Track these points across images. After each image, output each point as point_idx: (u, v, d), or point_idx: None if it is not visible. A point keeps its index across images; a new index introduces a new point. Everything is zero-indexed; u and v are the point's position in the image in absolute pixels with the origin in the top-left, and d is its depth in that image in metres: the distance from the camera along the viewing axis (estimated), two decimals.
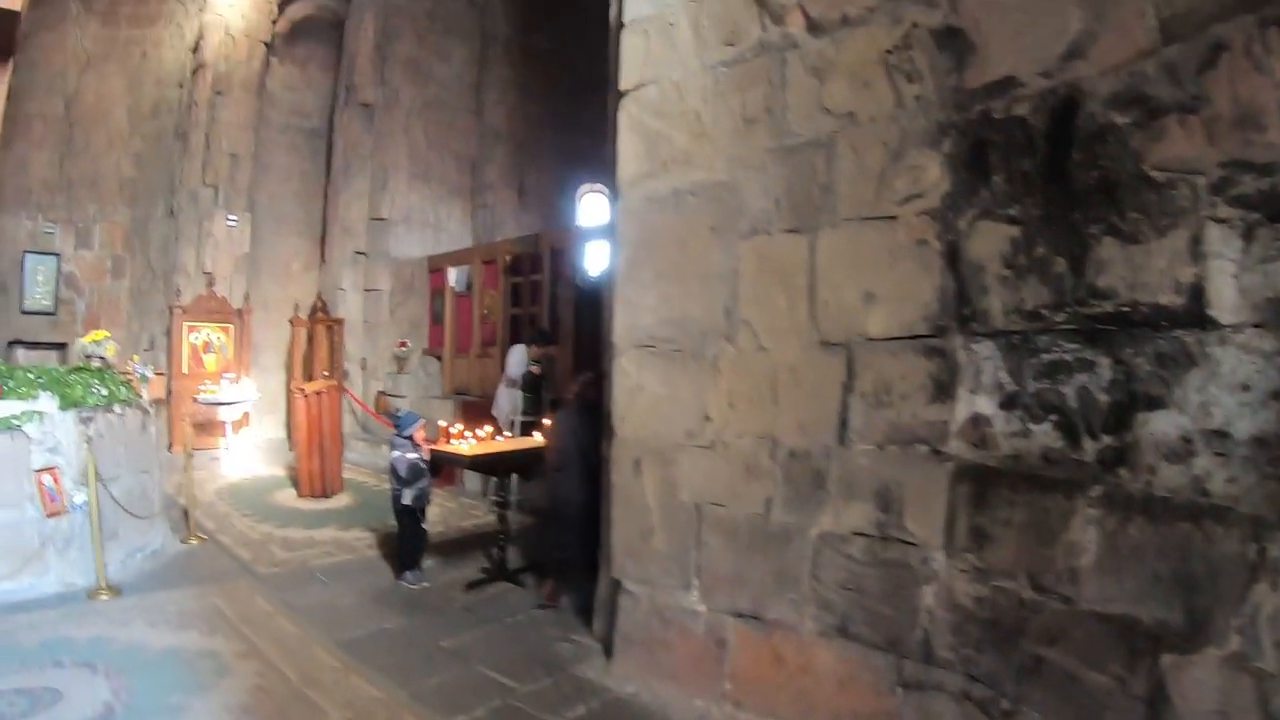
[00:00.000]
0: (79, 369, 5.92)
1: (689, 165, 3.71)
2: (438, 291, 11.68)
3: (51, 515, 5.12)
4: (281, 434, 12.26)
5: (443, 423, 6.23)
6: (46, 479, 5.12)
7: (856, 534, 3.11)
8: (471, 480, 8.55)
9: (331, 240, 12.11)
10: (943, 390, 2.90)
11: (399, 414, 6.51)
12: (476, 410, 9.80)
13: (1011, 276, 2.70)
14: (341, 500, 8.20)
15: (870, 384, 3.10)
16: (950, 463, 2.86)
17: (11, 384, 5.16)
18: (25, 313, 12.02)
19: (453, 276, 11.33)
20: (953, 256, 2.88)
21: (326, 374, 10.74)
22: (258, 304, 12.08)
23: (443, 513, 7.55)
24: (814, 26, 3.30)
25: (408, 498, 5.43)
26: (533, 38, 13.46)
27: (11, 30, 6.53)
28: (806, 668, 3.25)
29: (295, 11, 12.61)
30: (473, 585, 5.41)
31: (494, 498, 5.80)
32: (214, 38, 11.73)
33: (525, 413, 7.90)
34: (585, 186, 14.32)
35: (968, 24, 2.83)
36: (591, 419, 4.76)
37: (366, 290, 11.92)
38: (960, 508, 2.84)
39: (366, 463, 10.03)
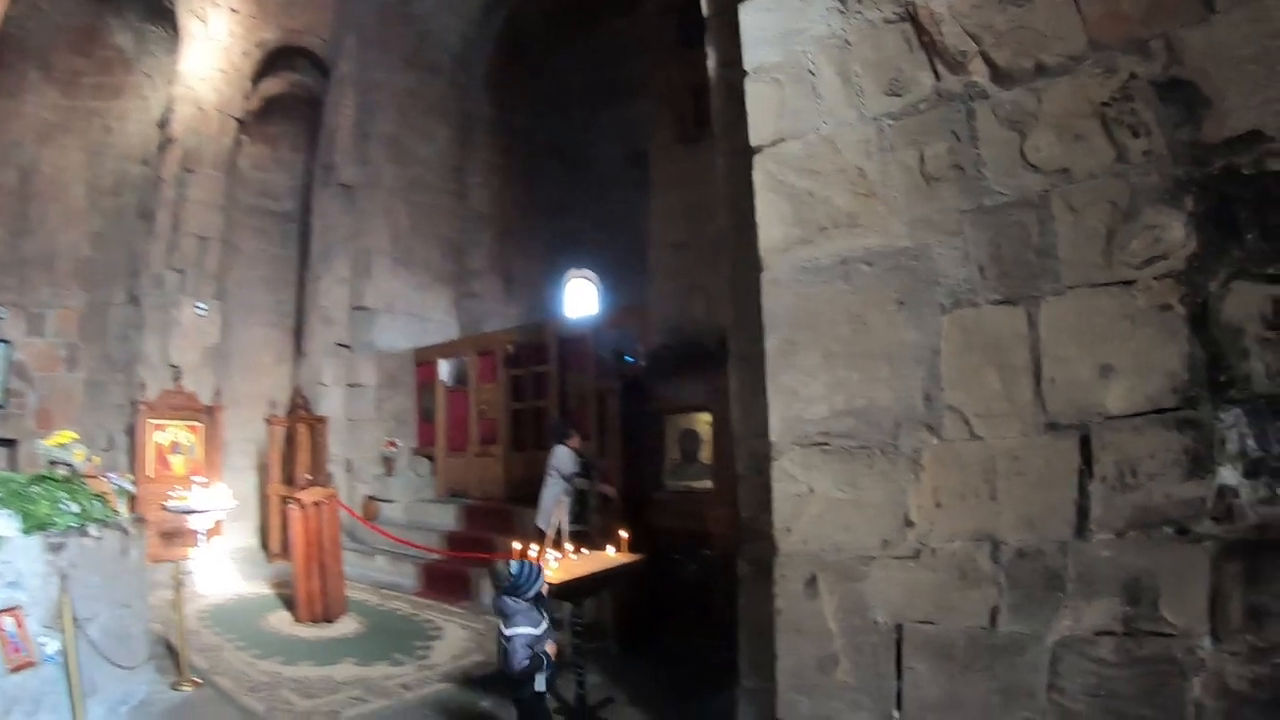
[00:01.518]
0: (43, 478, 5.44)
1: (855, 229, 3.46)
2: (426, 386, 11.80)
3: (16, 669, 4.31)
4: (254, 541, 12.02)
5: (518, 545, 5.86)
6: (8, 623, 4.32)
7: (1101, 633, 2.94)
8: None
9: (310, 331, 12.09)
10: (1198, 465, 2.83)
11: (508, 569, 4.35)
12: (484, 515, 9.98)
13: (1275, 338, 2.73)
14: (348, 625, 7.74)
15: (1112, 466, 2.93)
16: (1209, 541, 2.82)
17: None
18: None
19: (443, 370, 11.46)
20: (1200, 321, 2.86)
21: (310, 477, 10.59)
22: (227, 399, 11.87)
23: (472, 637, 7.38)
24: (1002, 76, 3.20)
25: (541, 683, 4.28)
26: (514, 116, 13.88)
27: None
28: None
29: (270, 87, 12.73)
30: None
31: (573, 623, 5.38)
32: (184, 111, 11.69)
33: (573, 521, 7.69)
34: (572, 272, 14.65)
35: (1195, 76, 2.81)
36: None
37: (350, 385, 11.92)
38: (1230, 587, 2.79)
39: (358, 576, 9.94)
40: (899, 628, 3.32)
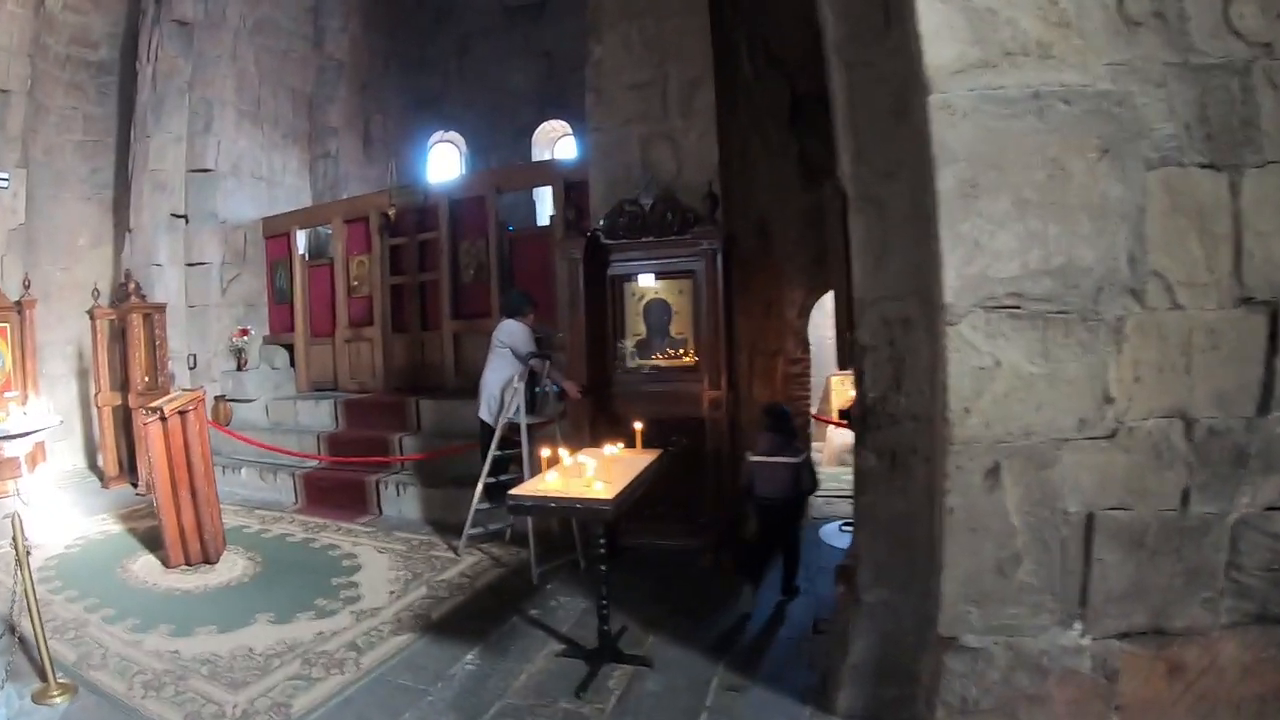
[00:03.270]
0: None
1: (1049, 61, 3.18)
2: (280, 261, 10.80)
3: None
4: (82, 462, 10.95)
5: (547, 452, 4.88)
6: None
7: (1271, 509, 3.14)
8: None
9: (139, 201, 10.69)
10: None
11: (782, 406, 5.88)
12: (367, 411, 9.26)
13: None
14: (236, 565, 6.49)
15: None
16: None
17: None
18: None
19: (301, 241, 10.48)
20: None
21: (148, 378, 9.30)
22: (38, 292, 10.33)
23: (398, 563, 6.54)
24: None
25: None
26: None
27: None
28: (1210, 667, 3.21)
29: None
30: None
31: (601, 544, 4.61)
32: None
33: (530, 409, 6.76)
34: (438, 135, 13.88)
35: None
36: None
37: (189, 265, 10.65)
38: None
39: (222, 494, 8.74)
40: (1090, 517, 3.29)
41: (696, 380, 6.24)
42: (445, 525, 7.19)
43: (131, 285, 9.71)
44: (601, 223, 6.53)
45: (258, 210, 10.90)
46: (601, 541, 4.51)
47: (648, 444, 5.33)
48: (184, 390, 7.41)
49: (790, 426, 5.60)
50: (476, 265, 9.04)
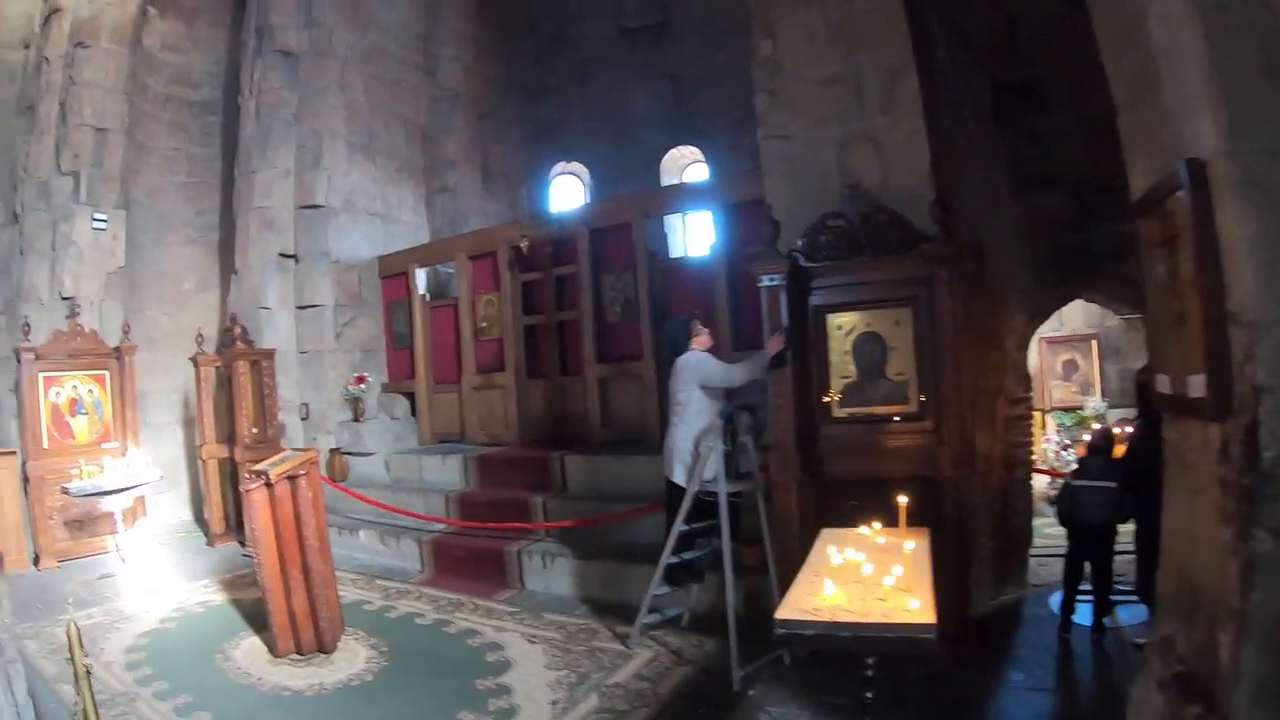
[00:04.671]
0: None
1: None
2: (398, 303, 10.14)
3: None
4: (188, 514, 10.53)
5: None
6: None
7: None
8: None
9: (246, 240, 10.14)
10: None
11: (1106, 433, 5.97)
12: (503, 468, 8.33)
13: None
14: (356, 655, 5.50)
15: None
16: None
17: None
18: None
19: (421, 280, 9.78)
20: None
21: (256, 430, 8.90)
22: (140, 339, 10.05)
23: (554, 656, 5.43)
24: None
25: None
26: None
27: None
28: None
29: None
30: None
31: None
32: None
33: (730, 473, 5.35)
34: (559, 166, 13.22)
35: None
36: None
37: (301, 308, 10.03)
38: None
39: (337, 559, 7.87)
40: None
41: (922, 431, 5.11)
42: (604, 605, 6.14)
43: (237, 330, 9.15)
44: (799, 243, 5.40)
45: (373, 249, 10.31)
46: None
47: (858, 510, 4.42)
48: (294, 450, 6.51)
49: (1112, 451, 5.48)
50: (623, 301, 8.12)
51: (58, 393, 8.95)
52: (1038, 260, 6.74)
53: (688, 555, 5.37)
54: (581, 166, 13.13)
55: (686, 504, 5.19)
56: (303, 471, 5.57)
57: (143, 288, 10.73)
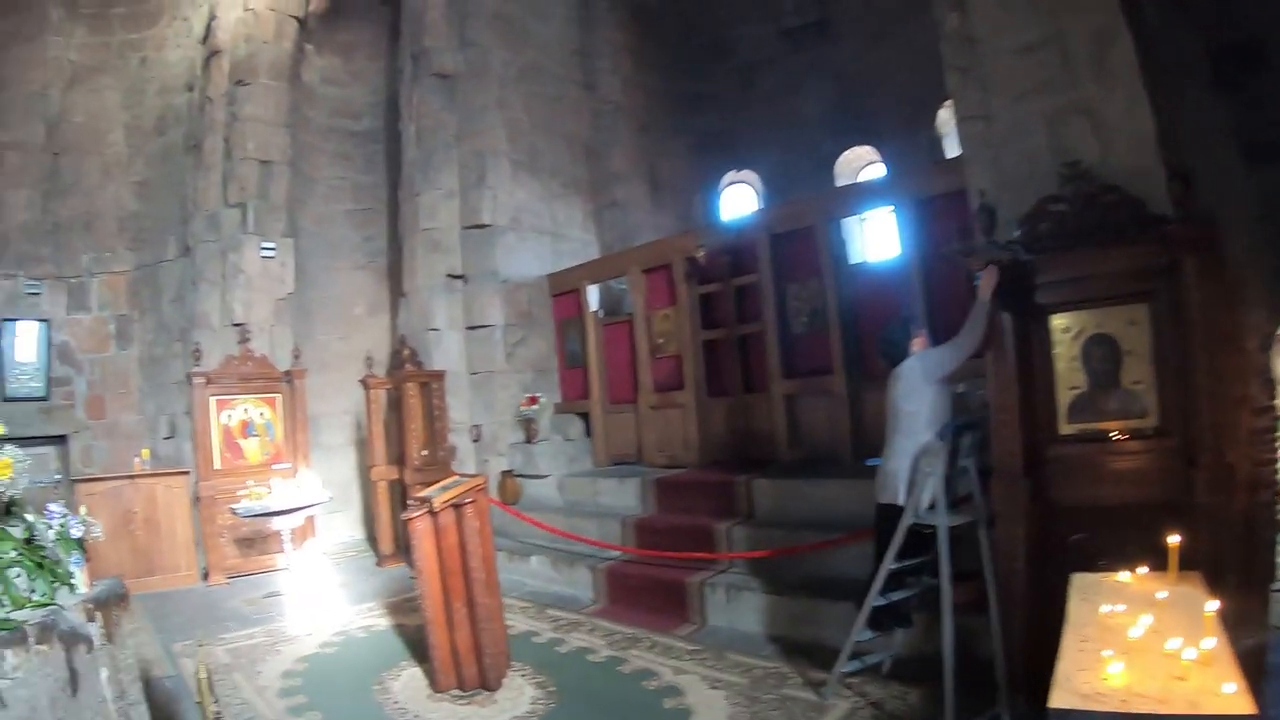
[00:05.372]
0: None
1: None
2: (570, 321, 9.84)
3: None
4: (360, 534, 10.72)
5: None
6: None
7: None
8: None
9: (413, 262, 10.14)
10: None
11: None
12: (682, 491, 7.75)
13: None
14: (521, 695, 5.06)
15: None
16: None
17: None
18: (8, 400, 10.41)
19: (594, 297, 9.45)
20: None
21: (426, 452, 8.72)
22: (312, 362, 10.25)
23: (736, 703, 4.79)
24: None
25: None
26: None
27: None
28: None
29: None
30: None
31: None
32: (229, 16, 10.39)
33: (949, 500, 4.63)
34: (729, 176, 12.65)
35: None
36: None
37: (470, 329, 9.90)
38: None
39: (506, 584, 7.71)
40: None
41: (1165, 449, 4.22)
42: (795, 646, 5.47)
43: (406, 352, 9.16)
44: (1016, 233, 4.59)
45: (542, 266, 10.10)
46: None
47: (1099, 545, 3.78)
48: (461, 476, 6.17)
49: None
50: (810, 311, 7.51)
51: (229, 415, 9.17)
52: (1276, 245, 5.86)
53: (895, 596, 4.67)
54: (753, 174, 12.65)
55: (899, 536, 4.45)
56: (469, 499, 5.22)
57: (314, 313, 10.98)
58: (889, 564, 4.47)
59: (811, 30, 11.60)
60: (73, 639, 2.73)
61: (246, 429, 9.27)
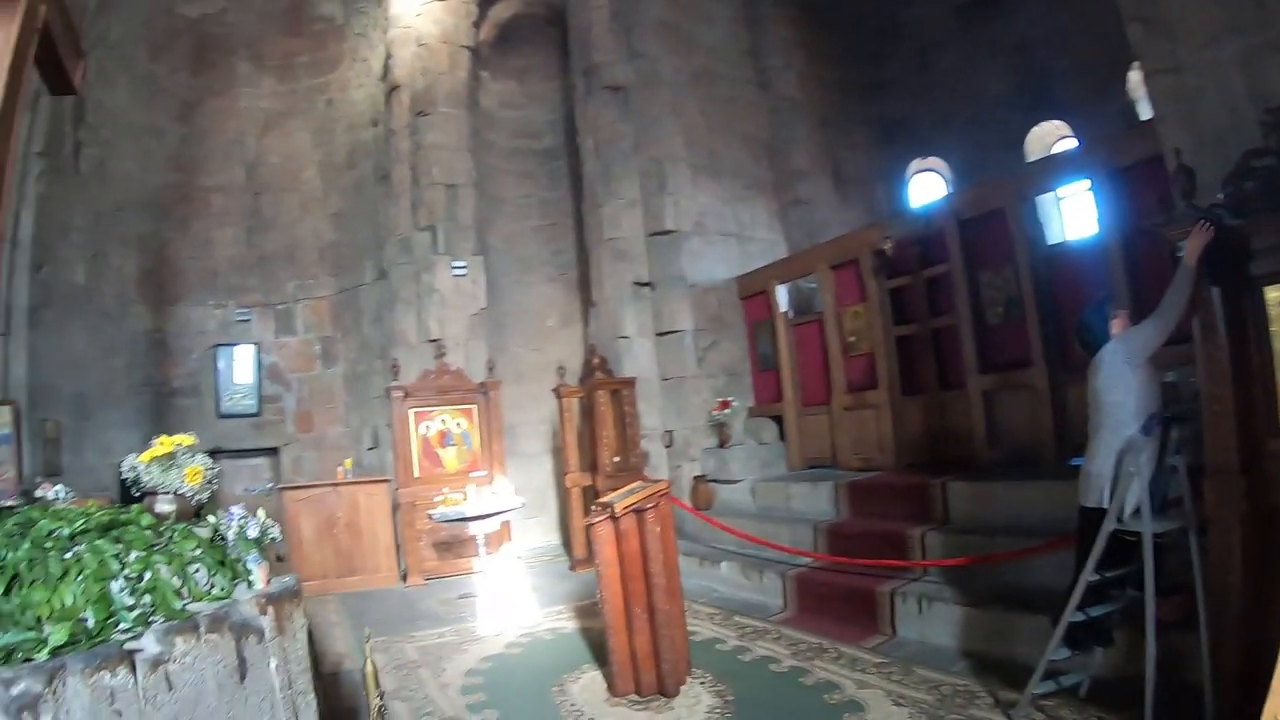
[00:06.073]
0: (113, 524, 3.18)
1: None
2: (761, 323, 9.70)
3: None
4: (555, 539, 11.01)
5: None
6: None
7: None
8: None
9: (600, 273, 10.33)
10: None
11: None
12: (875, 495, 7.47)
13: None
14: (697, 703, 4.91)
15: None
16: None
17: None
18: (223, 416, 11.60)
19: (782, 298, 9.28)
20: None
21: (618, 458, 8.83)
22: (507, 374, 10.68)
23: None
24: None
25: None
26: None
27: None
28: None
29: (500, 12, 11.79)
30: None
31: None
32: (405, 53, 11.04)
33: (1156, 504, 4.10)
34: (915, 164, 12.32)
35: None
36: None
37: (660, 335, 9.98)
38: None
39: (695, 590, 7.66)
40: None
41: None
42: (988, 662, 5.05)
43: (596, 360, 9.29)
44: (1220, 195, 3.95)
45: (729, 269, 10.03)
46: None
47: None
48: (645, 481, 6.05)
49: None
50: (1005, 300, 7.06)
51: (427, 426, 9.56)
52: None
53: (1095, 611, 4.18)
54: (939, 161, 12.24)
55: (1100, 544, 3.97)
56: (650, 504, 5.18)
57: (507, 326, 11.37)
58: (1088, 575, 4.03)
59: (984, 3, 11.14)
60: (243, 630, 2.93)
61: (444, 439, 9.62)
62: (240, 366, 11.70)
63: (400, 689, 5.41)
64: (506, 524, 9.04)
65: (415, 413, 9.53)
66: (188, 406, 11.39)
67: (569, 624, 6.86)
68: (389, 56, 11.14)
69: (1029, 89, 10.73)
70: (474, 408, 9.79)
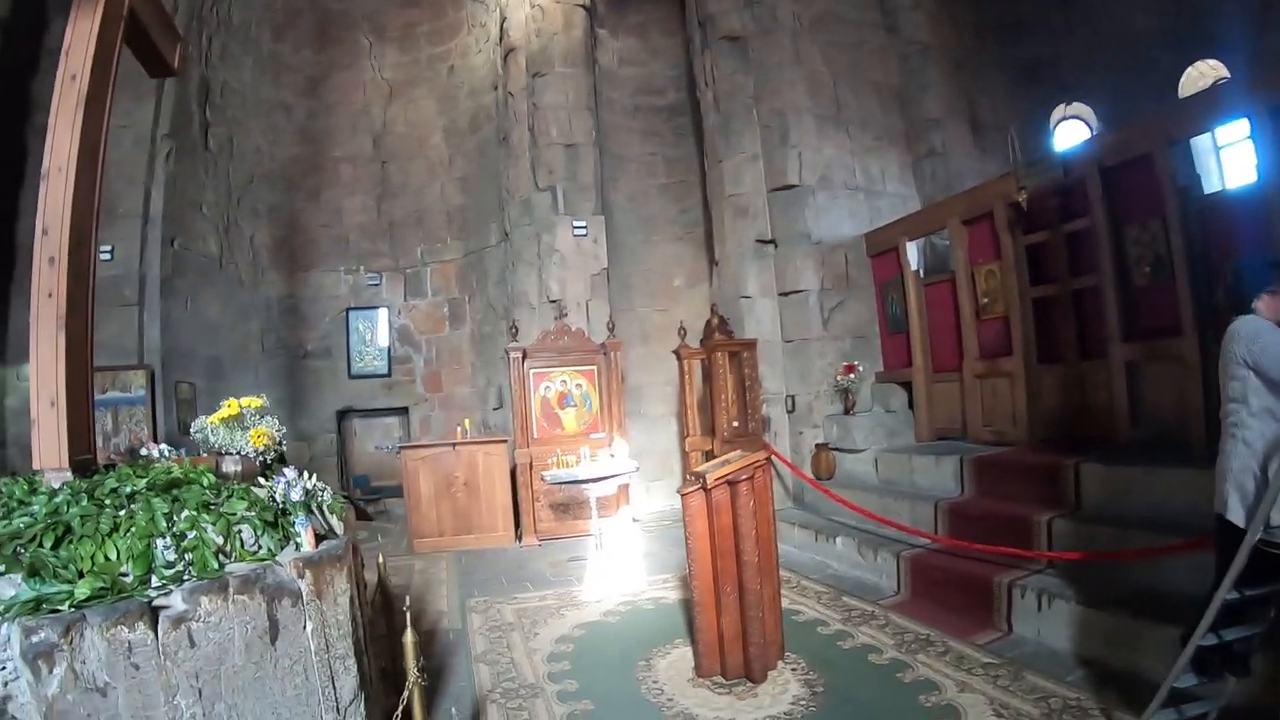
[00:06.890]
0: (170, 482, 3.49)
1: None
2: (890, 283, 9.19)
3: None
4: (678, 503, 10.47)
5: None
6: None
7: None
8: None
9: (721, 230, 10.14)
10: None
11: None
12: (1002, 474, 6.89)
13: None
14: (784, 691, 4.64)
15: None
16: None
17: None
18: (354, 377, 12.13)
19: (913, 255, 8.75)
20: None
21: (736, 423, 8.70)
22: (632, 335, 10.81)
23: None
24: None
25: None
26: None
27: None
28: None
29: None
30: None
31: None
32: (519, 15, 11.06)
33: None
34: (1059, 111, 11.45)
35: None
36: None
37: (783, 295, 9.67)
38: None
39: (806, 564, 7.51)
40: None
41: None
42: (1108, 674, 4.49)
43: (715, 320, 9.03)
44: None
45: (857, 225, 9.57)
46: None
47: None
48: (742, 453, 5.60)
49: None
50: (1152, 258, 6.27)
51: (547, 387, 9.65)
52: None
53: (1231, 634, 3.55)
54: (1084, 107, 11.39)
55: (1241, 559, 3.38)
56: (745, 476, 4.89)
57: (633, 286, 11.34)
58: (1224, 592, 3.44)
59: None
60: (277, 592, 3.01)
61: (564, 400, 9.70)
62: (372, 329, 12.18)
63: (488, 652, 5.47)
64: (624, 487, 9.05)
65: (534, 373, 9.62)
66: (320, 368, 11.97)
67: (672, 594, 6.75)
68: (503, 19, 11.18)
69: (1179, 23, 9.84)
70: (594, 369, 9.80)
